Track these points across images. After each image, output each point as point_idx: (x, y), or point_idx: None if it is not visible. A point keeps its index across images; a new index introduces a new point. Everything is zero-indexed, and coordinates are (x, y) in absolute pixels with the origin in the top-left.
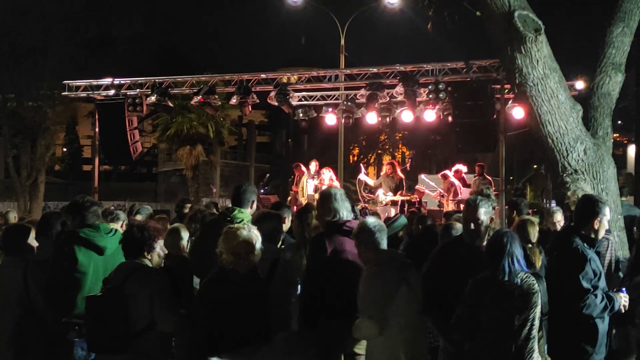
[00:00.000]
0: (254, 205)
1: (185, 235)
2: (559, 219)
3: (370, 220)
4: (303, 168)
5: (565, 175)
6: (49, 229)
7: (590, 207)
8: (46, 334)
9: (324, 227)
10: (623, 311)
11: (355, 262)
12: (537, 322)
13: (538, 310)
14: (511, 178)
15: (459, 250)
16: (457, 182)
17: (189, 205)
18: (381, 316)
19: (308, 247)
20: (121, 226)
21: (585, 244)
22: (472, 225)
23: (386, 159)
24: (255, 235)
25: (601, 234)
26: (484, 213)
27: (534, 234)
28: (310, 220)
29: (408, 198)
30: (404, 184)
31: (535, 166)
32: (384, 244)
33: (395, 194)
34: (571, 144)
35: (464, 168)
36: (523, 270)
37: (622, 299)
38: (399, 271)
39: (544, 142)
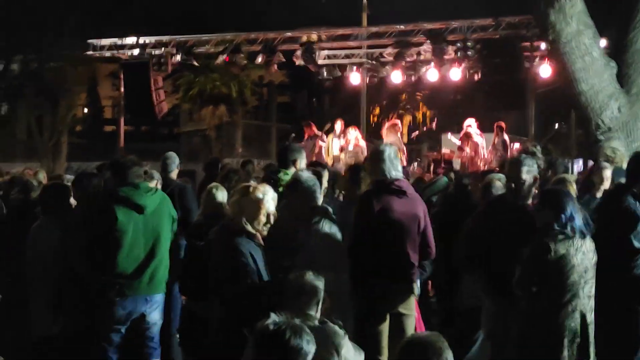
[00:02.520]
0: (299, 164)
1: (221, 194)
2: (608, 175)
3: (305, 175)
4: (314, 128)
5: (598, 133)
6: (81, 189)
7: None
8: (85, 294)
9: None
10: None
11: (402, 222)
12: (594, 281)
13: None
14: None
15: (503, 209)
16: (480, 140)
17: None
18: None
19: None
20: (156, 185)
21: (637, 203)
22: (514, 184)
23: (407, 119)
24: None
25: None
26: (527, 172)
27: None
28: (363, 179)
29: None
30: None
31: (557, 125)
32: (319, 200)
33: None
34: (605, 101)
35: (474, 123)
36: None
37: None
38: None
39: (576, 100)
